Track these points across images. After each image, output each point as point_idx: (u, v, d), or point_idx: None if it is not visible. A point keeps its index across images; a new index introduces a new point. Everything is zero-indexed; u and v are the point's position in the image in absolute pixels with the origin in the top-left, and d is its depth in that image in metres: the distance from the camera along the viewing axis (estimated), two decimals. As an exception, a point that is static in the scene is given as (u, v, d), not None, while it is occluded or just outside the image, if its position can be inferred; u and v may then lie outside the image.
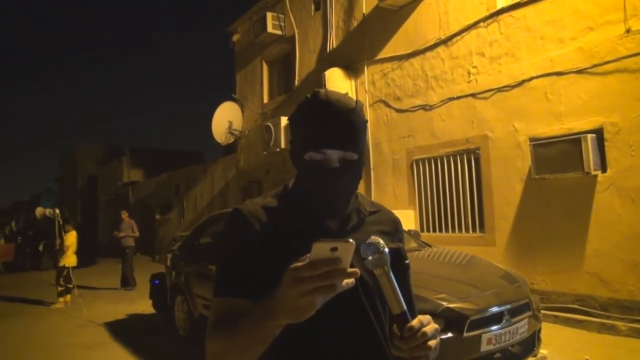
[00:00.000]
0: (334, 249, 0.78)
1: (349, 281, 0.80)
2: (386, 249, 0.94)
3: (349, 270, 0.79)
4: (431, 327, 0.96)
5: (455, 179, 7.25)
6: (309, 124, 1.09)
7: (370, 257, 0.93)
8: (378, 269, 0.94)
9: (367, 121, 1.14)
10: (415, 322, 0.94)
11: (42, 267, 16.18)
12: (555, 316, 5.70)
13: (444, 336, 3.26)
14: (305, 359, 1.07)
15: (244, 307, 1.00)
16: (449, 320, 3.30)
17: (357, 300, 1.06)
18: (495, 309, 3.53)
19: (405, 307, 0.95)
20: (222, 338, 0.99)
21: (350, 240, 0.80)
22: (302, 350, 1.05)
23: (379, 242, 0.94)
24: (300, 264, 0.80)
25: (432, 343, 0.95)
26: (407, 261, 1.15)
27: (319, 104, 1.07)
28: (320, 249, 0.78)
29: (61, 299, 8.77)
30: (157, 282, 7.11)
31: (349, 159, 1.08)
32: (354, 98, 1.11)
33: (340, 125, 1.06)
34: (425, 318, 0.97)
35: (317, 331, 1.01)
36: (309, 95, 1.11)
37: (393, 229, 1.24)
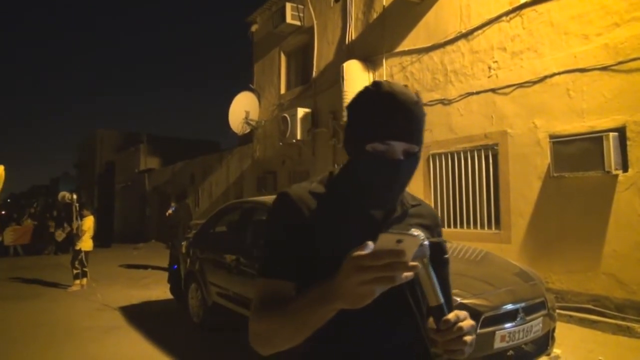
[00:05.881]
0: (400, 241, 0.78)
1: (408, 274, 0.80)
2: (426, 242, 0.94)
3: (411, 263, 0.80)
4: (468, 322, 0.97)
5: (472, 175, 7.18)
6: (373, 115, 1.08)
7: None
8: (417, 260, 0.93)
9: (426, 114, 1.14)
10: (451, 316, 0.95)
11: (44, 252, 16.42)
12: (570, 316, 5.64)
13: (457, 332, 3.24)
14: (346, 344, 1.10)
15: (289, 289, 1.05)
16: (463, 316, 3.28)
17: (400, 289, 1.07)
18: (509, 307, 3.50)
19: (442, 300, 0.96)
20: (272, 317, 1.01)
21: (416, 233, 0.81)
22: (342, 334, 1.08)
23: (419, 234, 0.94)
24: (363, 252, 0.80)
25: (468, 338, 0.95)
26: (446, 256, 1.16)
27: (384, 95, 1.07)
28: (387, 240, 0.79)
29: (77, 282, 8.92)
30: (175, 267, 7.18)
31: (411, 152, 1.09)
32: (414, 92, 1.13)
33: (406, 117, 1.07)
34: (462, 313, 0.97)
35: (357, 317, 1.01)
36: (369, 86, 1.12)
37: (433, 223, 1.26)
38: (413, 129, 1.08)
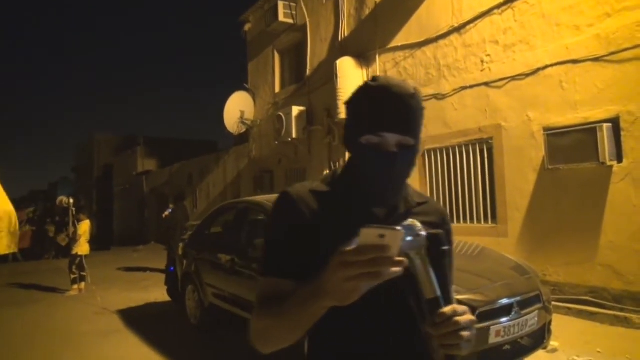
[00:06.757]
0: (382, 236, 0.77)
1: (396, 269, 0.78)
2: (423, 233, 0.93)
3: (397, 258, 0.78)
4: (466, 317, 0.94)
5: (467, 170, 7.17)
6: (368, 107, 1.08)
7: (406, 239, 0.91)
8: (413, 252, 0.93)
9: (424, 108, 1.12)
10: (448, 309, 0.92)
11: (44, 257, 16.39)
12: (568, 308, 5.64)
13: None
14: (342, 341, 1.09)
15: (288, 288, 1.03)
16: (457, 311, 3.26)
17: (396, 284, 1.04)
18: (504, 301, 3.50)
19: (439, 293, 0.94)
20: (268, 316, 1.02)
21: (399, 227, 0.79)
22: (338, 331, 1.08)
23: (415, 225, 0.93)
24: (347, 248, 0.79)
25: (465, 334, 0.92)
26: (445, 247, 1.12)
27: (379, 88, 1.07)
28: (368, 234, 0.77)
29: (75, 287, 8.91)
30: (172, 268, 7.17)
31: (406, 144, 1.08)
32: (413, 85, 1.11)
33: (400, 109, 1.06)
34: (461, 308, 0.95)
35: (356, 316, 1.01)
36: (368, 80, 1.11)
37: (440, 221, 1.23)
38: (408, 122, 1.07)
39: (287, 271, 1.08)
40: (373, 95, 1.07)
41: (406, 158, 1.09)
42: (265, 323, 1.03)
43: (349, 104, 1.14)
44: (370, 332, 1.09)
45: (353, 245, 0.78)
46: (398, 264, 0.78)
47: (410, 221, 0.94)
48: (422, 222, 0.97)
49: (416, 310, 1.05)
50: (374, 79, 1.10)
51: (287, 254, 1.10)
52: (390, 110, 1.05)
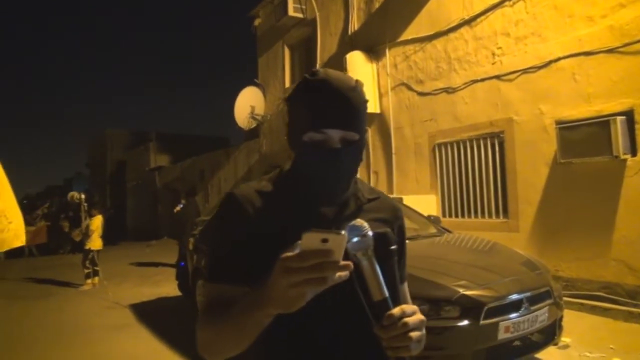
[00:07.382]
0: (325, 240, 0.74)
1: (342, 274, 0.76)
2: (370, 233, 0.90)
3: (342, 263, 0.75)
4: (415, 318, 0.91)
5: (478, 164, 7.10)
6: (308, 104, 1.04)
7: (353, 240, 0.89)
8: (360, 253, 0.90)
9: (367, 101, 1.09)
10: (396, 310, 0.90)
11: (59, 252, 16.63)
12: (581, 304, 5.56)
13: (460, 324, 3.21)
14: (291, 348, 1.04)
15: (235, 294, 0.98)
16: (465, 307, 3.24)
17: (350, 285, 1.01)
18: (514, 297, 3.45)
19: (387, 294, 0.91)
20: (212, 325, 0.98)
21: (343, 232, 0.76)
22: (293, 338, 1.03)
23: (362, 225, 0.90)
24: (290, 253, 0.76)
25: (415, 335, 0.90)
26: (393, 247, 1.10)
27: (319, 83, 1.03)
28: (311, 239, 0.75)
29: (89, 281, 9.02)
30: (183, 264, 7.21)
31: (350, 139, 1.04)
32: (354, 78, 1.07)
33: (341, 104, 1.02)
34: (410, 308, 0.92)
35: (307, 316, 0.95)
36: (307, 75, 1.07)
37: (392, 217, 1.19)
38: (351, 116, 1.03)
39: (232, 277, 1.03)
40: (313, 90, 1.03)
41: (351, 154, 1.05)
42: (210, 332, 0.99)
43: (290, 100, 1.09)
44: (319, 338, 1.05)
45: (296, 250, 0.76)
46: (343, 268, 0.76)
47: (357, 221, 0.91)
48: (373, 219, 0.95)
49: (368, 311, 1.01)
50: (313, 73, 1.05)
51: (233, 258, 1.05)
52: (331, 105, 1.01)
